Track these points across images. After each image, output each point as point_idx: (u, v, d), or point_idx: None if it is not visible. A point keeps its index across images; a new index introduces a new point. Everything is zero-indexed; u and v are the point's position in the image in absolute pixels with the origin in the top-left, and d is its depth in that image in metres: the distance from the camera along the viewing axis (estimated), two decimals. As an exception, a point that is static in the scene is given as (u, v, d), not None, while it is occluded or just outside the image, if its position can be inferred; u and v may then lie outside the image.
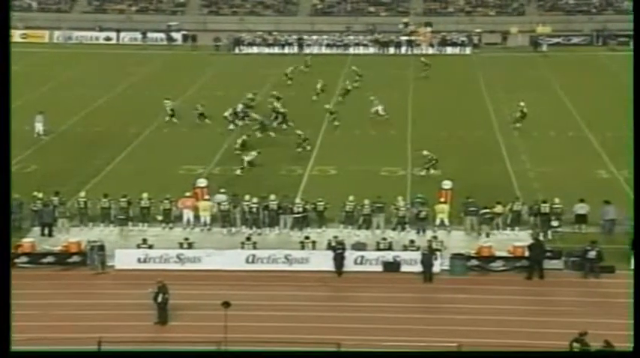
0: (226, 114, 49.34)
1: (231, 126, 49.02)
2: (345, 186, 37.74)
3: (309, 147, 45.04)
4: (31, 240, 32.70)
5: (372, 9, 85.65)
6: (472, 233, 34.10)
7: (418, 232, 34.04)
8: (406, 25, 79.98)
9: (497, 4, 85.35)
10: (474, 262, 31.63)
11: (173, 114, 50.84)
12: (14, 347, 19.72)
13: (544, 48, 74.27)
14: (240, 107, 50.63)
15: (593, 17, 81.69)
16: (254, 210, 34.81)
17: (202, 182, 36.60)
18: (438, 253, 31.44)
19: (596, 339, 23.95)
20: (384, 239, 32.80)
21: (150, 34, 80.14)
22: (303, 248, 32.61)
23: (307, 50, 75.17)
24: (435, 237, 32.68)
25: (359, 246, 32.57)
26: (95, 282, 31.06)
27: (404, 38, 75.96)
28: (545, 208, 34.14)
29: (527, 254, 31.28)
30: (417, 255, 31.36)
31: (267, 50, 75.56)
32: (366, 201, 34.80)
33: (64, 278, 31.16)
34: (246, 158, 42.13)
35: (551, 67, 67.18)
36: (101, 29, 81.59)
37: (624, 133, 47.20)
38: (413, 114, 52.84)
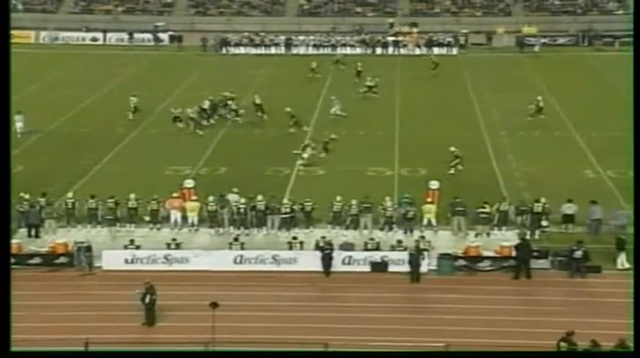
0: (193, 114, 49.35)
1: (204, 123, 49.44)
2: (332, 187, 37.74)
3: (306, 128, 46.76)
4: (17, 241, 32.52)
5: (358, 9, 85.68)
6: (459, 233, 34.13)
7: (405, 232, 34.07)
8: (392, 25, 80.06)
9: (484, 4, 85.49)
10: (462, 262, 31.67)
11: (136, 111, 51.25)
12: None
13: (536, 48, 74.29)
14: (207, 104, 51.00)
15: (578, 18, 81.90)
16: (241, 210, 34.77)
17: (189, 183, 36.53)
18: (425, 253, 31.47)
19: (583, 339, 24.05)
20: (372, 239, 32.81)
21: (137, 35, 79.94)
22: (290, 248, 32.60)
23: (294, 51, 75.12)
24: (422, 237, 32.72)
25: (347, 246, 32.56)
26: (82, 283, 30.95)
27: (390, 39, 75.98)
28: (538, 207, 34.19)
29: (514, 254, 31.36)
30: (404, 255, 31.38)
31: (254, 51, 75.45)
32: (354, 202, 34.80)
33: (51, 280, 31.04)
34: (305, 154, 42.35)
35: (538, 67, 67.35)
36: (88, 30, 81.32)
37: (610, 133, 47.51)
38: (400, 114, 52.87)
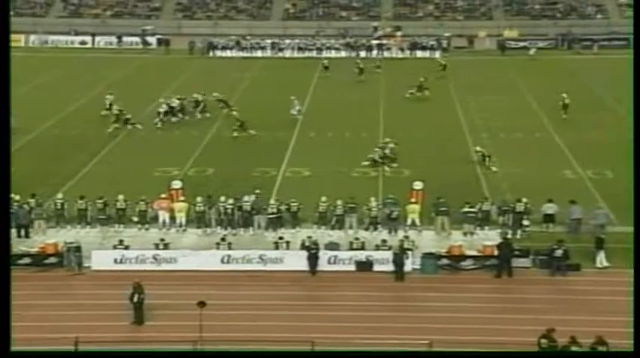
0: (160, 109, 50.64)
1: (158, 123, 50.24)
2: (318, 187, 37.70)
3: (252, 132, 47.33)
4: (7, 241, 32.32)
5: (343, 13, 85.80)
6: (443, 233, 34.16)
7: (390, 232, 34.08)
8: (376, 29, 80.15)
9: (466, 8, 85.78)
10: (445, 261, 31.69)
11: (110, 109, 51.60)
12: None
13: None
14: (176, 102, 51.87)
15: (558, 22, 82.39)
16: (229, 211, 34.71)
17: (177, 184, 36.41)
18: (409, 252, 31.47)
19: (563, 335, 24.11)
20: (357, 239, 32.80)
21: (125, 38, 79.82)
22: (277, 248, 32.53)
23: (280, 54, 75.08)
24: (406, 237, 32.72)
25: (332, 246, 32.53)
26: (72, 283, 30.81)
27: (375, 42, 76.02)
28: (519, 207, 34.27)
29: (496, 253, 31.40)
30: (389, 255, 31.39)
31: (241, 54, 75.36)
32: (339, 202, 34.79)
33: (41, 280, 30.88)
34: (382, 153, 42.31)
35: (518, 69, 67.50)
36: (76, 33, 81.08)
37: (589, 134, 47.68)
38: (384, 116, 52.89)
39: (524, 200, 34.55)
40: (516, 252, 31.55)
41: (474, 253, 32.02)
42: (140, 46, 79.05)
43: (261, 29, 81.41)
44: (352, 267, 31.58)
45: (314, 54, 74.62)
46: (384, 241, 32.49)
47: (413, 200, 34.95)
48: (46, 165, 42.95)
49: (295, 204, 34.98)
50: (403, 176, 40.68)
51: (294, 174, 41.97)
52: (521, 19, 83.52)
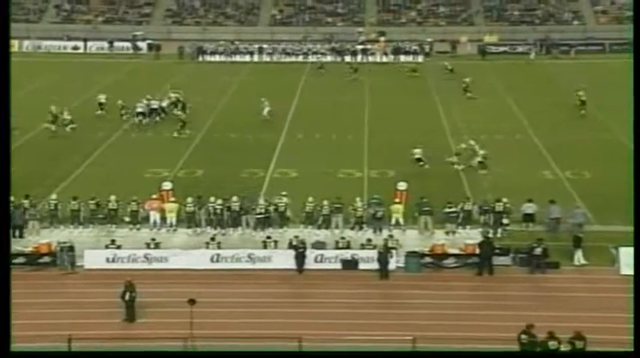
0: (140, 109, 51.22)
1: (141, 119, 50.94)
2: (305, 188, 37.67)
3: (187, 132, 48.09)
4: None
5: (329, 19, 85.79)
6: (426, 232, 34.20)
7: (375, 231, 34.10)
8: (360, 34, 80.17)
9: (448, 14, 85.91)
10: (428, 259, 31.74)
11: (102, 108, 52.87)
12: None
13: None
14: (155, 104, 52.38)
15: (536, 27, 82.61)
16: (218, 211, 34.66)
17: (167, 185, 36.32)
18: (393, 251, 31.51)
19: (542, 331, 24.18)
20: (343, 238, 32.81)
21: (116, 44, 79.51)
22: (265, 247, 32.51)
23: (267, 58, 75.01)
24: (390, 236, 32.75)
25: (319, 245, 32.54)
26: (65, 282, 30.71)
27: (359, 47, 76.06)
28: (499, 206, 34.36)
29: (477, 251, 31.47)
30: (373, 253, 31.43)
31: (229, 58, 75.22)
32: (325, 202, 34.80)
33: (35, 278, 30.76)
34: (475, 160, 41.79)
35: (498, 73, 67.60)
36: (69, 39, 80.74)
37: (567, 136, 47.83)
38: (369, 118, 52.91)
39: (505, 200, 34.64)
40: (497, 251, 31.63)
41: (456, 252, 32.09)
42: (131, 51, 78.80)
43: (249, 35, 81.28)
44: (338, 266, 31.59)
45: (300, 58, 74.56)
46: (369, 240, 32.52)
47: (397, 200, 34.97)
48: (40, 167, 42.79)
49: (283, 204, 34.96)
50: (387, 177, 40.69)
51: (282, 175, 41.94)
52: (501, 25, 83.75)
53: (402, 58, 74.38)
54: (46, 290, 29.79)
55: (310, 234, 33.68)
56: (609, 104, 54.71)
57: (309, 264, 31.53)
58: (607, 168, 40.38)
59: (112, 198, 35.15)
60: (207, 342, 24.44)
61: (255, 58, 75.39)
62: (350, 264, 31.51)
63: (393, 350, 24.33)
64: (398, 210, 34.74)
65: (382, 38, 78.30)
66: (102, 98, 54.20)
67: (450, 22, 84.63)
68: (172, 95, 53.69)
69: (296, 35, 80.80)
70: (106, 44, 79.61)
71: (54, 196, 35.91)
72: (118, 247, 32.18)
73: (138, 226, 34.87)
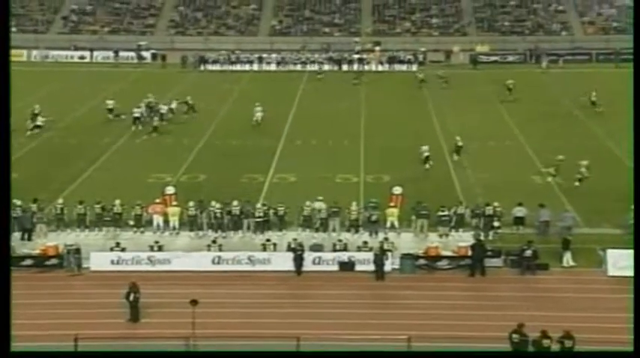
0: (137, 114, 51.85)
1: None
2: (303, 192, 37.60)
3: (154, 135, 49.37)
4: (10, 244, 32.05)
5: (326, 29, 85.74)
6: (421, 234, 34.11)
7: (371, 234, 34.01)
8: (356, 44, 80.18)
9: (440, 25, 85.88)
10: (422, 261, 31.66)
11: (110, 112, 53.78)
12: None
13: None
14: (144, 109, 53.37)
15: (526, 38, 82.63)
16: (218, 214, 34.59)
17: (170, 189, 36.22)
18: (389, 253, 31.43)
19: (533, 330, 24.12)
20: (340, 241, 32.72)
21: (121, 53, 79.45)
22: (264, 250, 32.41)
23: (267, 67, 75.00)
24: (386, 239, 32.67)
25: (316, 248, 32.46)
26: (71, 283, 30.62)
27: (356, 56, 76.06)
28: (489, 210, 34.31)
29: (470, 253, 31.40)
30: (370, 256, 31.34)
31: (230, 67, 75.20)
32: (323, 206, 34.72)
33: (42, 280, 30.67)
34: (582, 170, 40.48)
35: (490, 82, 67.51)
36: (76, 48, 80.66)
37: (555, 142, 47.78)
38: (365, 125, 52.87)
39: (496, 203, 34.60)
40: (489, 253, 31.56)
41: (450, 254, 32.03)
42: (135, 61, 78.76)
43: (249, 44, 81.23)
44: (335, 267, 31.51)
45: (299, 67, 74.56)
46: (365, 243, 32.44)
47: (392, 204, 34.91)
48: (48, 172, 42.69)
49: (282, 208, 34.90)
50: (382, 181, 40.63)
51: (281, 180, 41.87)
52: (492, 35, 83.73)
53: (397, 66, 74.40)
54: (53, 291, 29.69)
55: (308, 237, 33.61)
56: (596, 112, 54.81)
57: (307, 265, 31.45)
58: (595, 173, 40.26)
59: (117, 202, 35.09)
60: (208, 342, 24.34)
61: (255, 66, 75.36)
62: (347, 266, 31.44)
63: (389, 350, 24.21)
64: (393, 213, 34.68)
65: (377, 48, 78.29)
66: (110, 104, 54.35)
67: (443, 33, 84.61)
68: (188, 99, 54.93)
69: (294, 45, 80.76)
70: (111, 54, 79.53)
71: (61, 200, 35.83)
72: (123, 250, 32.09)
73: (142, 229, 34.81)
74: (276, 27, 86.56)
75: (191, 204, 34.97)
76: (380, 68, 74.49)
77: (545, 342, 23.70)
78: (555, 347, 23.66)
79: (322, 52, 78.13)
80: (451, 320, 27.15)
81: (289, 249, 32.00)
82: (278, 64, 75.56)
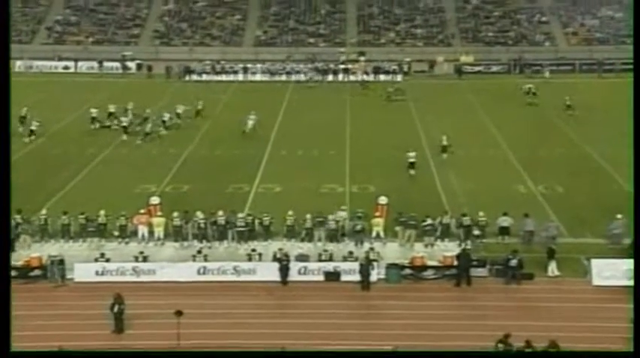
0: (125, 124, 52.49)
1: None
2: (289, 203, 37.52)
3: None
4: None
5: (311, 40, 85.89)
6: (407, 244, 34.08)
7: (356, 244, 33.97)
8: (341, 54, 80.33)
9: (425, 35, 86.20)
10: (408, 271, 31.63)
11: (93, 122, 54.25)
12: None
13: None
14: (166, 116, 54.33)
15: (510, 48, 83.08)
16: (203, 225, 34.47)
17: (155, 200, 36.09)
18: (374, 263, 31.39)
19: (518, 340, 24.11)
20: (325, 250, 32.68)
21: (106, 64, 79.25)
22: (250, 260, 32.32)
23: (252, 77, 74.99)
24: (371, 249, 32.63)
25: (302, 258, 32.39)
26: (56, 294, 30.40)
27: (341, 66, 76.16)
28: (466, 221, 34.33)
29: (455, 263, 31.41)
30: (355, 265, 31.29)
31: (215, 78, 75.12)
32: (308, 216, 34.68)
33: (27, 291, 30.34)
34: None
35: (474, 92, 67.75)
36: (60, 59, 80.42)
37: (540, 151, 47.96)
38: (351, 135, 52.87)
39: (481, 213, 34.64)
40: (474, 262, 31.56)
41: (435, 263, 32.02)
42: (120, 71, 78.59)
43: (234, 55, 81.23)
44: (321, 277, 31.44)
45: (284, 78, 74.61)
46: (350, 253, 32.41)
47: (377, 214, 34.89)
48: (32, 182, 42.38)
49: (267, 218, 34.84)
50: (368, 191, 40.60)
51: (267, 190, 41.79)
52: (476, 46, 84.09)
53: (382, 77, 74.52)
54: (37, 303, 29.45)
55: (293, 247, 33.54)
56: (579, 121, 55.13)
57: (293, 275, 31.37)
58: (578, 182, 40.47)
59: (102, 212, 34.93)
60: (194, 353, 24.16)
61: (240, 77, 75.33)
62: (332, 276, 31.37)
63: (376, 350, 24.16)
64: (378, 223, 34.67)
65: (362, 58, 78.46)
66: (94, 112, 54.24)
67: (427, 43, 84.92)
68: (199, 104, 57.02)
69: (280, 55, 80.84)
70: (95, 64, 79.33)
71: (44, 211, 35.61)
72: (107, 260, 31.89)
73: (126, 240, 34.62)
74: (261, 37, 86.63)
75: (176, 214, 34.85)
76: (365, 78, 74.50)
77: (529, 352, 23.68)
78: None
79: (307, 63, 78.23)
80: (437, 330, 27.11)
81: (275, 259, 31.90)
82: (263, 74, 75.57)
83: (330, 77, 74.54)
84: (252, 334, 26.60)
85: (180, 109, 56.05)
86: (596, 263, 30.98)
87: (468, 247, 33.12)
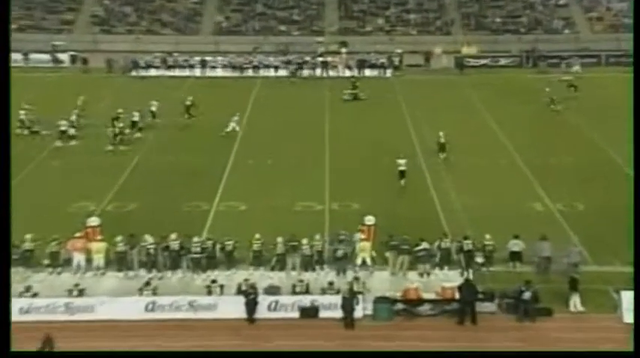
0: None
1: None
2: (256, 224, 37.49)
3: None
4: None
5: (282, 28, 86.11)
6: (399, 273, 34.14)
7: (338, 273, 34.00)
8: (319, 44, 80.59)
9: (419, 22, 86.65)
10: (400, 306, 31.69)
11: (23, 126, 54.40)
12: None
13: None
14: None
15: (522, 37, 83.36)
16: (152, 251, 34.39)
17: (94, 221, 35.96)
18: (360, 296, 31.42)
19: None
20: (301, 281, 32.72)
21: (32, 55, 78.99)
22: (209, 293, 32.30)
23: (211, 72, 75.04)
24: (356, 279, 32.66)
25: (272, 290, 32.39)
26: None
27: (319, 59, 76.21)
28: (470, 245, 34.44)
29: (457, 296, 31.46)
30: (337, 299, 31.33)
31: (167, 73, 75.07)
32: (279, 240, 34.67)
33: None
34: None
35: (479, 90, 68.04)
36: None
37: (558, 162, 48.19)
38: (330, 141, 52.93)
39: (487, 236, 34.75)
40: (480, 295, 31.64)
41: (433, 297, 32.06)
42: (50, 64, 78.36)
43: (190, 45, 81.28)
44: (295, 314, 31.48)
45: (250, 73, 74.68)
46: (331, 284, 32.43)
47: (364, 237, 34.91)
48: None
49: (230, 242, 34.81)
50: (352, 209, 40.66)
51: (229, 209, 41.75)
52: (480, 35, 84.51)
53: (368, 72, 74.69)
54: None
55: (262, 277, 33.50)
56: (607, 125, 55.40)
57: (262, 312, 31.39)
58: (603, 198, 40.66)
59: (28, 236, 34.87)
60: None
61: (197, 72, 75.35)
62: (309, 312, 31.41)
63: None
64: (365, 247, 34.71)
65: (344, 49, 78.71)
66: (22, 114, 54.22)
67: (422, 31, 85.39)
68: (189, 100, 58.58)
69: (245, 46, 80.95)
70: (20, 56, 78.99)
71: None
72: (35, 295, 31.78)
73: (59, 270, 34.56)
74: (222, 24, 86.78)
75: (119, 238, 34.75)
76: (347, 73, 74.56)
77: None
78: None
79: (278, 55, 78.39)
80: (436, 377, 27.15)
81: (239, 291, 31.88)
82: (224, 68, 75.65)
83: (306, 72, 74.67)
84: (212, 384, 26.51)
85: (154, 107, 57.28)
86: (627, 295, 31.07)
87: (472, 277, 33.24)
